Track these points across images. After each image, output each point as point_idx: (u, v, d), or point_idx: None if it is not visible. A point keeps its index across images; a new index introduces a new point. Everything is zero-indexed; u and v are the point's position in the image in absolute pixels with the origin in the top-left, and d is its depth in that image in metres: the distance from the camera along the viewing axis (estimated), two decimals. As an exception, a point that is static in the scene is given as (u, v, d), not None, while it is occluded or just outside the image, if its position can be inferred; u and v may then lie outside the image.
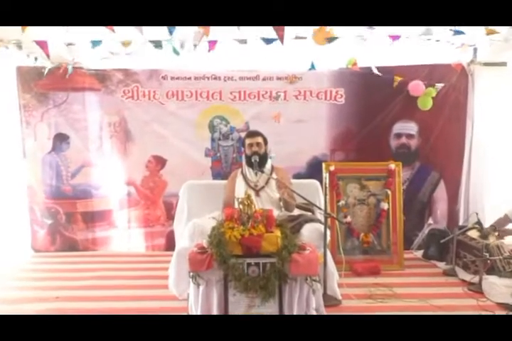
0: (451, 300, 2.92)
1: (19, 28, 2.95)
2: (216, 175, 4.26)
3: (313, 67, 4.07)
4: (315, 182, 3.59)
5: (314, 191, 3.50)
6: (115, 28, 2.95)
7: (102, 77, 4.17)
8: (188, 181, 3.64)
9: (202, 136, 4.26)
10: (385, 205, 3.78)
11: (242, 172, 3.34)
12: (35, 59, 3.89)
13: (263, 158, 3.23)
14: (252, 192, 3.08)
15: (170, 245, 4.10)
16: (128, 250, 4.32)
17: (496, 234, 3.47)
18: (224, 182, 3.51)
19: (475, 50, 4.04)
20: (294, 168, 4.14)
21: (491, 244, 3.29)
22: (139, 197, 4.33)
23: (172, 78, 4.17)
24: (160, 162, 4.30)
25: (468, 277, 3.30)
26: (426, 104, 4.12)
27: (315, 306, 2.49)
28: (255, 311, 2.43)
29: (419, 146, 4.27)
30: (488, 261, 3.19)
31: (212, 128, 4.28)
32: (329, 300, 2.84)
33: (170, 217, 4.25)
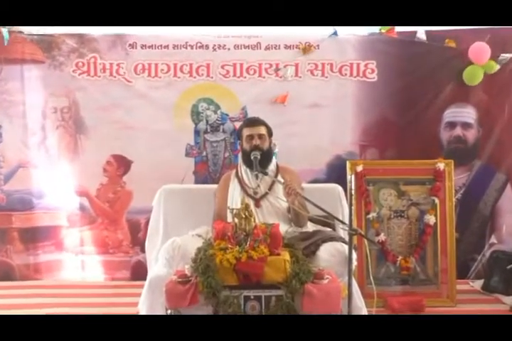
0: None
1: None
2: (201, 183, 4.25)
3: (334, 32, 4.14)
4: (336, 186, 3.64)
5: (335, 199, 3.56)
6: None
7: (47, 45, 4.23)
8: (164, 186, 3.68)
9: (182, 126, 4.31)
10: (431, 219, 3.82)
11: (237, 174, 3.39)
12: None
13: (266, 155, 3.27)
14: (250, 201, 3.14)
15: (136, 279, 4.14)
16: (82, 280, 4.37)
17: None
18: (214, 186, 3.57)
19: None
20: (309, 171, 4.19)
21: None
22: (95, 213, 4.36)
23: (143, 46, 4.23)
24: (123, 164, 4.33)
25: (544, 316, 3.35)
26: (474, 77, 4.13)
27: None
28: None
29: (480, 139, 4.33)
30: None
31: (196, 115, 4.33)
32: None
33: (136, 241, 4.31)
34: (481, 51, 4.09)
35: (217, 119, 4.32)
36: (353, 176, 3.69)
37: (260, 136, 3.28)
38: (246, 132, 3.32)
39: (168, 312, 2.60)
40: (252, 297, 2.55)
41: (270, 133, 3.38)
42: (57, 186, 4.36)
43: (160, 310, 2.74)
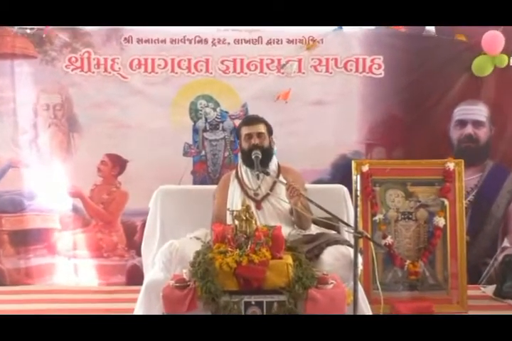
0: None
1: None
2: (200, 184, 4.28)
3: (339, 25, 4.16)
4: (341, 187, 3.66)
5: (340, 200, 3.57)
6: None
7: (38, 39, 4.25)
8: (161, 186, 3.69)
9: (180, 124, 4.33)
10: (440, 221, 3.83)
11: (237, 175, 3.40)
12: None
13: (267, 154, 3.28)
14: (251, 203, 3.15)
15: (132, 284, 4.14)
16: (76, 284, 4.39)
17: None
18: (213, 187, 3.59)
19: None
20: (312, 171, 4.21)
21: None
22: (89, 215, 4.38)
23: (139, 41, 4.25)
24: (118, 163, 4.35)
25: (559, 323, 3.36)
26: (484, 68, 4.14)
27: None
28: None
29: (492, 138, 4.35)
30: None
31: (194, 113, 4.34)
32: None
33: (132, 245, 4.33)
34: (494, 40, 4.09)
35: (216, 117, 4.33)
36: (358, 176, 3.67)
37: (259, 135, 3.28)
38: (244, 131, 3.32)
39: (166, 318, 2.62)
40: (253, 302, 2.55)
41: (270, 132, 3.37)
42: (50, 187, 4.38)
43: (156, 316, 2.76)
